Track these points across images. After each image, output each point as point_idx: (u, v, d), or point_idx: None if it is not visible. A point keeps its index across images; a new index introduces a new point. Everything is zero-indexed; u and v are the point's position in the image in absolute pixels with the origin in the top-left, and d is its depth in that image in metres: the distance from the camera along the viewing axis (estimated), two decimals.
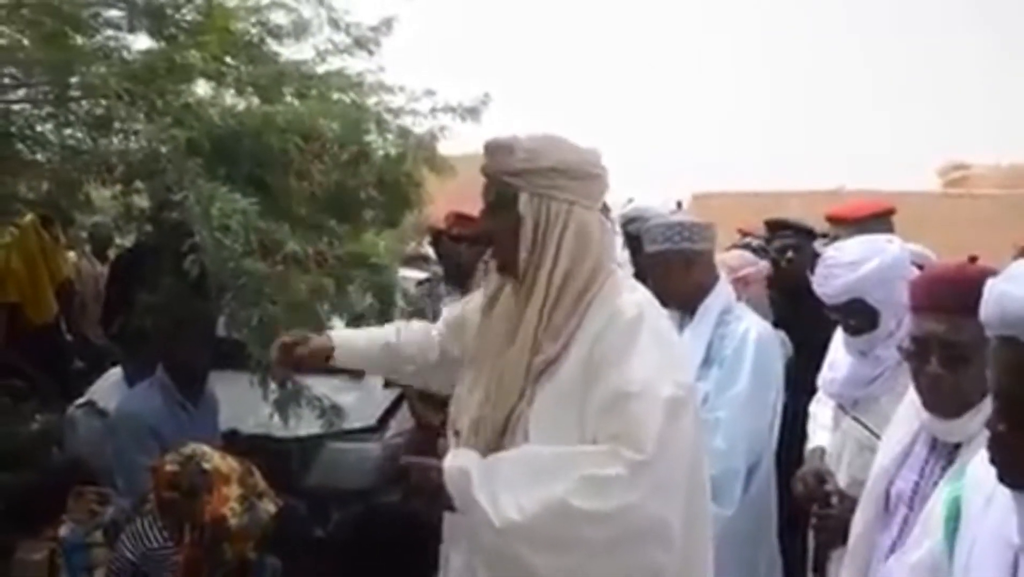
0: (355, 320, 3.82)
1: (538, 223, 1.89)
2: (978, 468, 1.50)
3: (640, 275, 5.01)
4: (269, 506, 2.74)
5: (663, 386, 1.78)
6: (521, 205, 1.89)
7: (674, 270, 2.96)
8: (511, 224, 1.90)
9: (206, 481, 2.66)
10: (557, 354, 1.87)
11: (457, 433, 2.04)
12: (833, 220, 3.95)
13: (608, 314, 1.86)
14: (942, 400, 1.81)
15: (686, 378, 1.88)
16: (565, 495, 1.71)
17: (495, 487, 1.76)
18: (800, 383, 3.02)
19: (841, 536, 2.18)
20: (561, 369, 1.87)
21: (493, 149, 1.94)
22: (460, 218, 4.09)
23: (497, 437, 1.92)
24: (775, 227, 4.18)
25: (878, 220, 3.70)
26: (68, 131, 3.70)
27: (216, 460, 2.74)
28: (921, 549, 1.66)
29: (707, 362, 2.86)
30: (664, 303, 3.02)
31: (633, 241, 5.29)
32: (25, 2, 3.42)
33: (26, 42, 3.46)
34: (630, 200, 5.11)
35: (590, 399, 1.82)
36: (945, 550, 1.57)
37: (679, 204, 8.66)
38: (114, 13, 3.76)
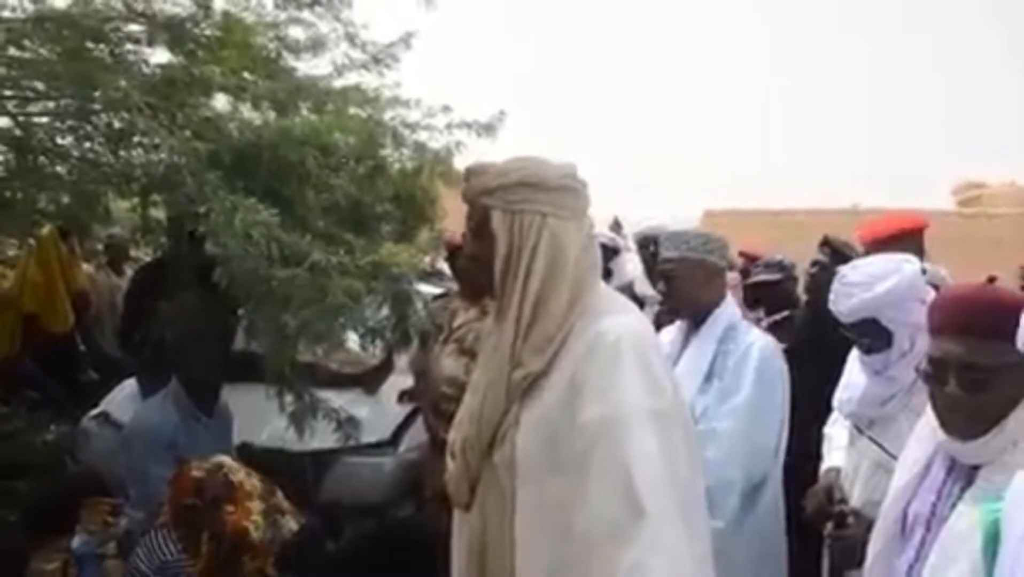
0: (370, 332, 3.82)
1: (511, 237, 1.89)
2: (1020, 491, 1.49)
3: (657, 285, 5.05)
4: (291, 524, 2.74)
5: (648, 412, 1.78)
6: (494, 222, 1.90)
7: (690, 278, 2.98)
8: (489, 245, 1.91)
9: (230, 492, 2.67)
10: (541, 370, 1.87)
11: (453, 455, 2.04)
12: (865, 244, 3.92)
13: (592, 335, 1.85)
14: (960, 422, 1.80)
15: (669, 403, 1.85)
16: None
17: None
18: (819, 403, 3.00)
19: (857, 557, 2.17)
20: (546, 387, 1.86)
21: (468, 173, 1.98)
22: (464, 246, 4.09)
23: (484, 455, 1.93)
24: (820, 243, 4.21)
25: (900, 241, 3.64)
26: (88, 144, 3.72)
27: (241, 475, 2.74)
28: (957, 569, 1.64)
29: (709, 377, 2.86)
30: (676, 310, 3.06)
31: (651, 259, 5.32)
32: (47, 16, 3.45)
33: (48, 56, 3.49)
34: (649, 219, 5.14)
35: (578, 422, 1.81)
36: (984, 573, 1.56)
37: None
38: (134, 27, 3.79)
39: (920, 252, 3.50)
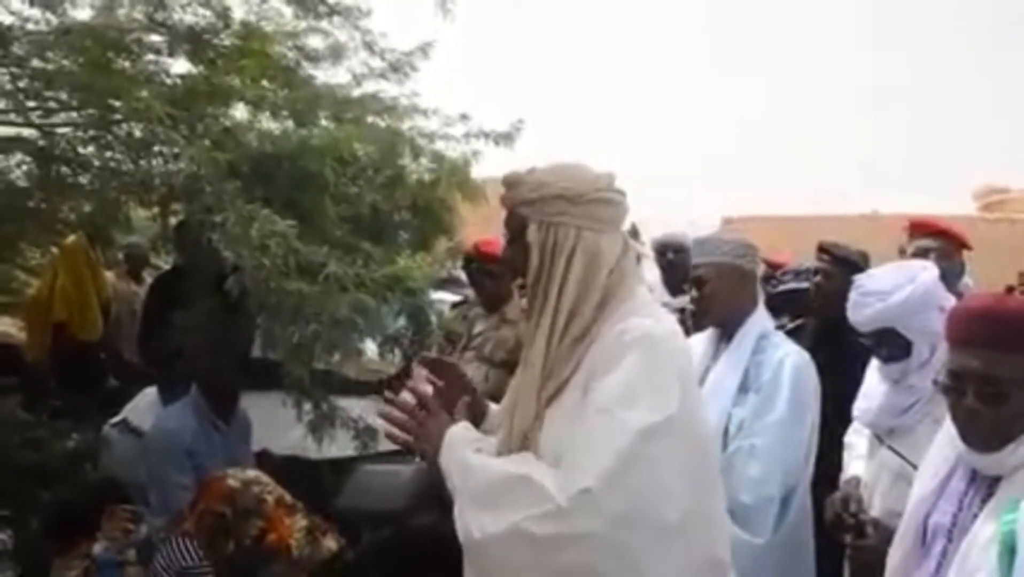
0: (388, 341, 3.84)
1: (544, 250, 1.91)
2: None
3: (674, 294, 5.05)
4: (331, 544, 2.74)
5: (638, 412, 1.76)
6: (529, 234, 1.92)
7: (723, 283, 2.94)
8: (524, 252, 1.94)
9: (262, 508, 2.66)
10: (567, 377, 1.89)
11: None
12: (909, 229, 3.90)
13: (613, 335, 1.87)
14: (980, 435, 1.78)
15: (671, 408, 1.80)
16: (522, 521, 1.74)
17: (463, 499, 1.84)
18: (834, 412, 2.98)
19: (877, 568, 2.15)
20: (567, 389, 1.88)
21: (508, 182, 1.99)
22: (480, 251, 4.07)
23: None
24: (818, 249, 4.18)
25: (941, 240, 3.65)
26: (109, 153, 3.76)
27: (279, 491, 2.74)
28: None
29: (743, 388, 2.82)
30: (705, 317, 3.03)
31: (668, 267, 5.32)
32: (70, 29, 3.49)
33: (71, 67, 3.53)
34: (667, 225, 5.14)
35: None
36: None
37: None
38: (155, 38, 3.84)
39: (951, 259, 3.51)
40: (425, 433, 1.95)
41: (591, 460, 1.74)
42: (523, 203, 1.94)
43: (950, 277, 3.48)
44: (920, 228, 3.71)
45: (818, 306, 4.03)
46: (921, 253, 3.47)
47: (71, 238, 5.77)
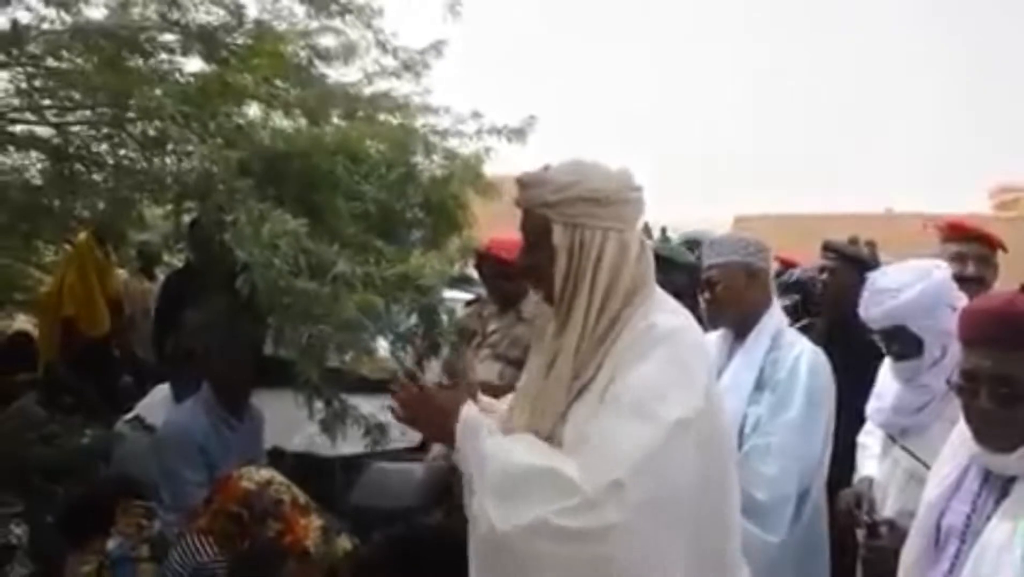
0: (399, 340, 3.84)
1: (572, 253, 1.90)
2: None
3: (678, 297, 5.04)
4: (346, 543, 2.75)
5: (668, 406, 1.78)
6: (556, 237, 1.90)
7: (734, 283, 2.93)
8: (548, 256, 1.92)
9: (278, 510, 2.68)
10: (593, 375, 1.89)
11: None
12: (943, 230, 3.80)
13: (641, 329, 1.87)
14: (994, 435, 1.77)
15: (699, 403, 1.83)
16: (550, 513, 1.73)
17: (484, 490, 1.82)
18: (846, 411, 2.97)
19: (890, 568, 2.14)
20: (593, 388, 1.88)
21: (525, 183, 1.96)
22: (493, 251, 4.04)
23: None
24: (823, 248, 4.15)
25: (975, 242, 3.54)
26: (123, 152, 3.78)
27: (294, 492, 2.75)
28: None
29: (759, 386, 2.81)
30: (719, 318, 3.03)
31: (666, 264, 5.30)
32: (85, 28, 3.51)
33: (85, 66, 3.55)
34: (663, 230, 5.13)
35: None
36: None
37: (663, 230, 8.66)
38: (168, 37, 3.85)
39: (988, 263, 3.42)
40: (429, 413, 1.95)
41: (621, 451, 1.74)
42: (544, 205, 1.92)
43: (989, 281, 3.37)
44: (956, 231, 3.55)
45: (827, 305, 4.02)
46: (958, 259, 3.27)
47: (81, 235, 5.81)
